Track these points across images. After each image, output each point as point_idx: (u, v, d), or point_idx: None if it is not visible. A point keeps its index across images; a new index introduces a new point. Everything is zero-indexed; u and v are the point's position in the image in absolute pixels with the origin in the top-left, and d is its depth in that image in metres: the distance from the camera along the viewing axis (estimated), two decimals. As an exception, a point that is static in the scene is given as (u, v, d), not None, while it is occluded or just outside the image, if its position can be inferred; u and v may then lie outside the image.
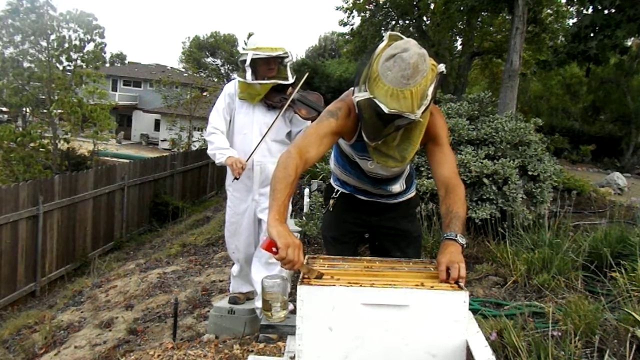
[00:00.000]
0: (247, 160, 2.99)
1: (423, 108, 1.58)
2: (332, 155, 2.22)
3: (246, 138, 3.05)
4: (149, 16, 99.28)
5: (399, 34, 1.67)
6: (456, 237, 1.62)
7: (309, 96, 3.09)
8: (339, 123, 1.76)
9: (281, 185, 1.57)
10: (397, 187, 2.16)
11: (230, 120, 3.12)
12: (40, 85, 14.13)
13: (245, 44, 3.03)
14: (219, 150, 3.01)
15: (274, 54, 2.91)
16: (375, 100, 1.56)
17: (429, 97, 1.58)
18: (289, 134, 3.13)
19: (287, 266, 1.45)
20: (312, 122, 3.00)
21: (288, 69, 3.02)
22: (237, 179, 2.99)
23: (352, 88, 1.81)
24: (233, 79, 3.19)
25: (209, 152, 3.10)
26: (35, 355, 4.04)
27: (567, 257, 3.40)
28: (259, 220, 3.19)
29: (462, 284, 1.50)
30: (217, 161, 3.02)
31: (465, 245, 1.64)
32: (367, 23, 13.74)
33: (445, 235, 1.64)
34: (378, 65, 1.57)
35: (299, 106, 3.01)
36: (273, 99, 3.01)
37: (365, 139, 1.72)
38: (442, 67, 1.61)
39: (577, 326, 2.25)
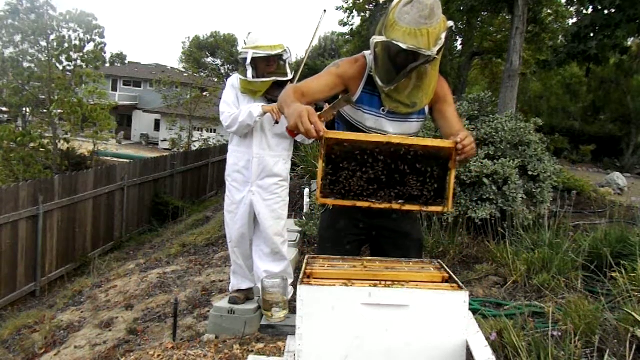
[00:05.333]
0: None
1: (438, 47, 1.68)
2: None
3: (248, 130, 3.15)
4: (149, 16, 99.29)
5: None
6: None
7: None
8: (340, 70, 1.91)
9: (288, 99, 1.73)
10: None
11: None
12: (40, 85, 14.11)
13: (245, 42, 3.10)
14: (251, 108, 3.04)
15: (273, 52, 3.02)
16: (392, 41, 1.66)
17: (443, 41, 1.69)
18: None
19: (310, 135, 1.56)
20: None
21: (287, 65, 3.13)
22: (277, 122, 3.08)
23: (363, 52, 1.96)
24: (234, 74, 3.29)
25: (240, 121, 3.06)
26: (35, 355, 4.04)
27: (567, 257, 3.41)
28: (255, 216, 3.26)
29: (461, 284, 1.51)
30: (255, 116, 3.01)
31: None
32: (367, 23, 13.73)
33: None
34: (395, 13, 1.68)
35: None
36: (273, 94, 3.11)
37: (379, 83, 1.82)
38: (451, 23, 1.73)
39: (577, 326, 2.25)
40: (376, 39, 1.72)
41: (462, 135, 1.67)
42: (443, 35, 1.68)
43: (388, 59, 1.72)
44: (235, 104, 3.16)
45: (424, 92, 1.84)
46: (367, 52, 1.94)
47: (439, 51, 1.70)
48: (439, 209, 1.71)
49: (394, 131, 1.98)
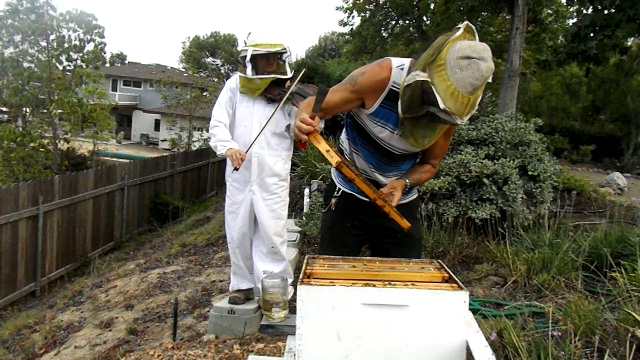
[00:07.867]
0: (246, 151, 3.07)
1: (469, 117, 1.63)
2: (343, 131, 2.22)
3: (246, 130, 3.16)
4: (149, 16, 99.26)
5: (474, 28, 1.65)
6: (405, 180, 1.99)
7: (307, 89, 3.21)
8: (356, 87, 1.85)
9: (298, 115, 1.76)
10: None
11: (232, 113, 3.23)
12: (40, 85, 14.12)
13: (245, 42, 3.11)
14: (220, 142, 3.11)
15: (273, 49, 3.03)
16: (433, 88, 1.57)
17: (474, 110, 1.63)
18: (288, 127, 3.22)
19: (304, 130, 1.68)
20: None
21: (286, 64, 3.14)
22: (236, 169, 3.05)
23: (389, 58, 1.88)
24: (234, 74, 3.30)
25: (211, 143, 3.20)
26: (35, 355, 4.04)
27: (567, 257, 3.41)
28: (255, 216, 3.27)
29: (461, 284, 1.51)
30: (218, 152, 3.11)
31: (408, 185, 2.00)
32: (367, 23, 13.71)
33: (399, 177, 2.02)
34: (448, 54, 1.56)
35: (297, 98, 3.11)
36: (272, 92, 3.12)
37: (398, 107, 1.75)
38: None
39: (577, 326, 2.25)
40: (420, 76, 1.60)
41: (385, 189, 1.95)
42: (477, 102, 1.62)
43: (420, 92, 1.61)
44: (227, 106, 3.18)
45: (434, 137, 1.87)
46: (394, 63, 1.84)
47: None
48: (402, 225, 1.92)
49: (400, 147, 1.98)
